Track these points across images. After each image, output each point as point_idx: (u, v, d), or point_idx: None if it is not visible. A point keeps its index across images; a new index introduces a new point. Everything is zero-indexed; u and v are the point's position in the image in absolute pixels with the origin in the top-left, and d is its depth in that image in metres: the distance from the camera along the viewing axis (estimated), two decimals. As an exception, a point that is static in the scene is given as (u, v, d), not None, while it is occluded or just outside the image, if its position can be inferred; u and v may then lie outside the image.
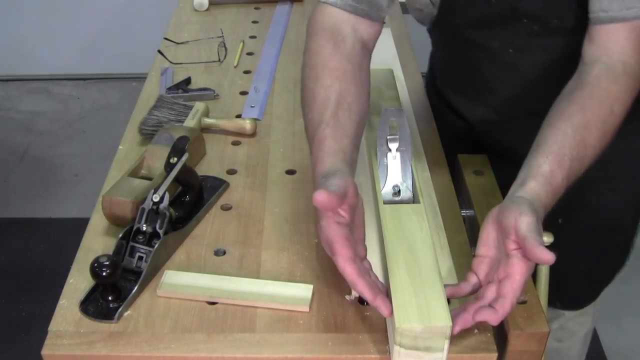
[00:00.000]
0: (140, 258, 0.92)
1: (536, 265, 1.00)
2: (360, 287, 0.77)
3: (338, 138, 0.85)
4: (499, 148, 1.20)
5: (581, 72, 0.92)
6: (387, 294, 0.79)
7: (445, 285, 0.79)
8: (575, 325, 1.42)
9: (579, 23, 0.96)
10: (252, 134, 1.21)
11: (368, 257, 0.84)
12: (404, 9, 1.69)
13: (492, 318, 0.75)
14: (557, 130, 0.86)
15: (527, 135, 1.19)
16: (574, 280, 1.28)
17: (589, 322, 1.45)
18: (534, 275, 0.95)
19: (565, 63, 1.00)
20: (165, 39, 1.54)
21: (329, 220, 0.78)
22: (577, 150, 0.85)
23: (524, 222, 0.75)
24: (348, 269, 0.77)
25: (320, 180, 0.81)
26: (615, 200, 1.25)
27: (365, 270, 0.79)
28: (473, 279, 0.81)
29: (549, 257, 0.73)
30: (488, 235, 0.80)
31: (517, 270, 0.76)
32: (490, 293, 0.78)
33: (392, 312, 0.77)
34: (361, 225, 0.84)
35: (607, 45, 0.91)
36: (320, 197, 0.74)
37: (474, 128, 1.24)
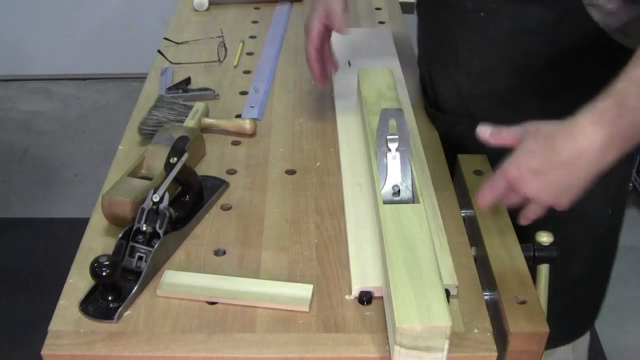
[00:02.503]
0: (140, 258, 0.92)
1: (536, 265, 1.00)
2: (316, 69, 1.16)
3: None
4: (454, 137, 1.20)
5: None
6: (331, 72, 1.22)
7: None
8: None
9: None
10: (252, 134, 1.21)
11: (367, 257, 0.92)
12: (404, 8, 1.70)
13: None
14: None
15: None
16: (568, 306, 1.23)
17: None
18: (534, 276, 0.95)
19: (529, 39, 1.01)
20: (165, 39, 1.54)
21: (317, 20, 1.12)
22: None
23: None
24: (312, 54, 1.15)
25: None
26: (595, 210, 1.20)
27: (325, 56, 1.17)
28: None
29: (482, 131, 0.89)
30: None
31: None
32: None
33: (323, 85, 1.19)
34: (344, 22, 1.13)
35: None
36: (343, 24, 1.09)
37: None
